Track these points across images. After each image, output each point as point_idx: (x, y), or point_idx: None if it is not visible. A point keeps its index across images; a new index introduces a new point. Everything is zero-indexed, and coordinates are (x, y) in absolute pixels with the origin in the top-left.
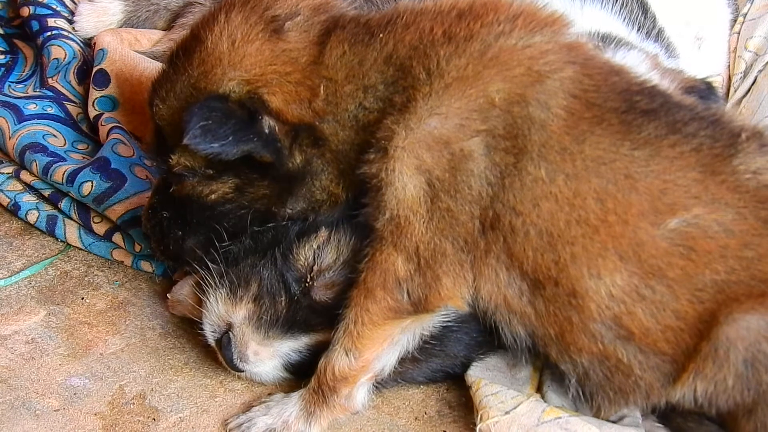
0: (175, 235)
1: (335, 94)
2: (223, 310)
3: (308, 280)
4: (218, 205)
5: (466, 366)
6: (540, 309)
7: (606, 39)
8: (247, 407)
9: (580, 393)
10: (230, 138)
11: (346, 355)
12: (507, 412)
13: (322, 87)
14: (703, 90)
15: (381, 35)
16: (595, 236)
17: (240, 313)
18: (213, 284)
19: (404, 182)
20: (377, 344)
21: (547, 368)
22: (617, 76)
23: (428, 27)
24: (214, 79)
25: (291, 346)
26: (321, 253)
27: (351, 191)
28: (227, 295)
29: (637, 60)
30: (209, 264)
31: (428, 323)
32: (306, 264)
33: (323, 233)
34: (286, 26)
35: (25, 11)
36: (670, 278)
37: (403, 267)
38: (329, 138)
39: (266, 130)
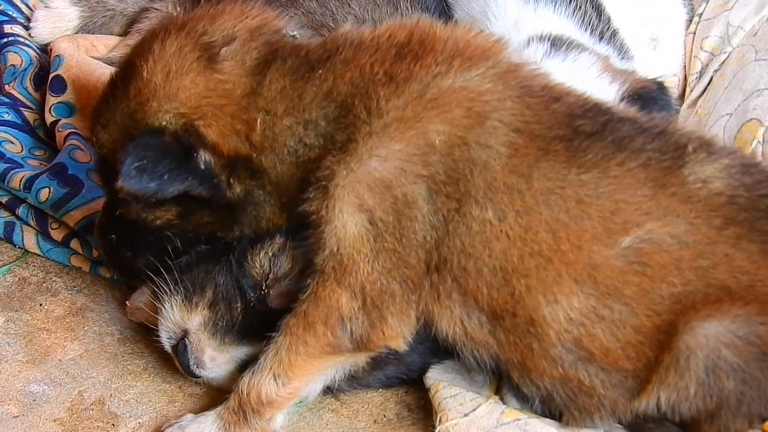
0: (124, 254)
1: (273, 128)
2: (179, 316)
3: (264, 287)
4: (164, 229)
5: (422, 371)
6: (501, 338)
7: (557, 41)
8: (156, 430)
9: (546, 413)
10: (165, 177)
11: (275, 380)
12: (466, 414)
13: (259, 120)
14: (654, 90)
15: (320, 71)
16: (549, 266)
17: (195, 320)
18: (168, 291)
19: (344, 220)
20: (308, 375)
21: (510, 389)
22: (557, 102)
23: (368, 65)
24: (150, 111)
25: (247, 352)
26: (277, 261)
27: (294, 222)
28: (182, 302)
29: (587, 62)
30: (163, 272)
31: (361, 361)
32: (262, 272)
33: (278, 240)
34: (222, 53)
35: None
36: (627, 296)
37: (348, 305)
38: (268, 171)
39: (202, 166)
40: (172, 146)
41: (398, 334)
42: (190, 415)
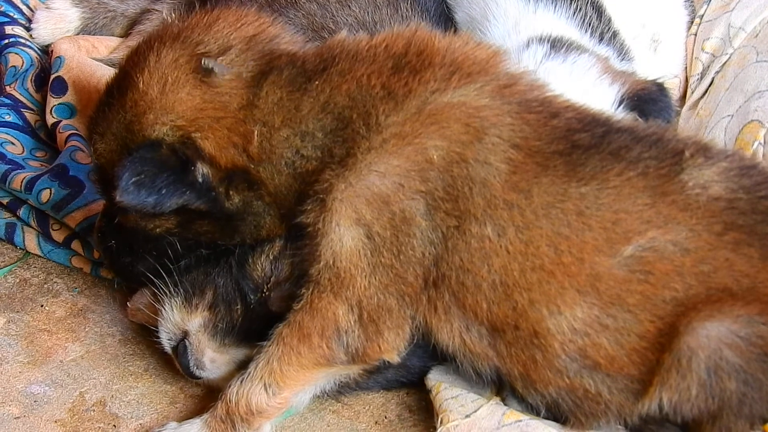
0: (124, 260)
1: (270, 139)
2: (179, 318)
3: (265, 290)
4: (164, 236)
5: (422, 375)
6: (501, 351)
7: (557, 43)
8: None
9: (551, 419)
10: (163, 191)
11: (265, 390)
12: (467, 416)
13: (256, 132)
14: (654, 91)
15: (317, 82)
16: (552, 279)
17: (195, 321)
18: (168, 293)
19: (340, 234)
20: (299, 385)
21: (513, 398)
22: (556, 117)
23: (365, 77)
24: (147, 123)
25: (247, 354)
26: (278, 265)
27: (293, 231)
28: (182, 304)
29: (587, 64)
30: (163, 274)
31: (354, 372)
32: (263, 275)
33: (279, 243)
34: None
35: None
36: (631, 304)
37: (345, 318)
38: (266, 182)
39: (200, 179)
40: (169, 160)
41: (393, 348)
42: (173, 423)
